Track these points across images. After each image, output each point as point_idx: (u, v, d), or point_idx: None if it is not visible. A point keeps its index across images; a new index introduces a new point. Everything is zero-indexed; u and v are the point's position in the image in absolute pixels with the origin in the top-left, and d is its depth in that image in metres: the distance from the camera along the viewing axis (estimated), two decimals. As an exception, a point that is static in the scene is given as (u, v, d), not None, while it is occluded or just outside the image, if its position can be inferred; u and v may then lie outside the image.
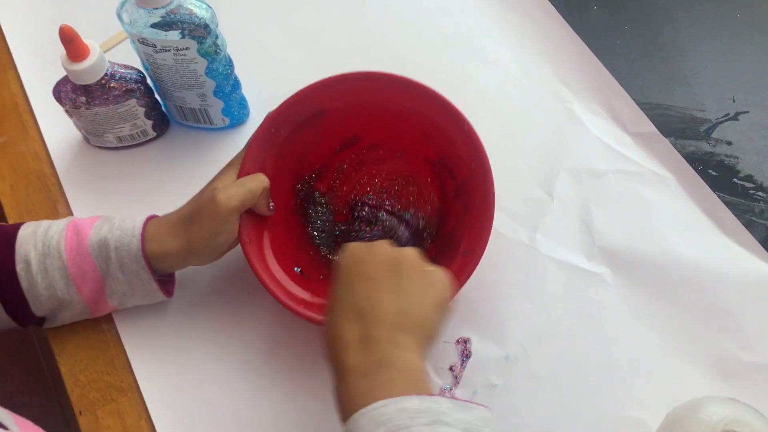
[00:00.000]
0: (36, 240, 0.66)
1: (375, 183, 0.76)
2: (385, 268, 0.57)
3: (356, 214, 0.75)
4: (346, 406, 0.52)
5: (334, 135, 0.73)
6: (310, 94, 0.69)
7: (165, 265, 0.68)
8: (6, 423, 0.53)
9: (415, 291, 0.56)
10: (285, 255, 0.70)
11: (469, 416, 0.49)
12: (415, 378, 0.52)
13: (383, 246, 0.59)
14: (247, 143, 0.70)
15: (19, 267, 0.65)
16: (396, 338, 0.53)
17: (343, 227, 0.75)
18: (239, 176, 0.67)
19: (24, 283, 0.65)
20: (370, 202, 0.75)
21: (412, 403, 0.49)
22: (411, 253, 0.58)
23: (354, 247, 0.59)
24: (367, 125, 0.73)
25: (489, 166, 0.66)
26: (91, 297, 0.67)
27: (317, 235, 0.75)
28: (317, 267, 0.72)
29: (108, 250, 0.66)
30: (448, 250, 0.68)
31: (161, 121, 0.81)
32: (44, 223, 0.68)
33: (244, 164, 0.68)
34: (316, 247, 0.74)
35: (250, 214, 0.67)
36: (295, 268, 0.70)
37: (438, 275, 0.58)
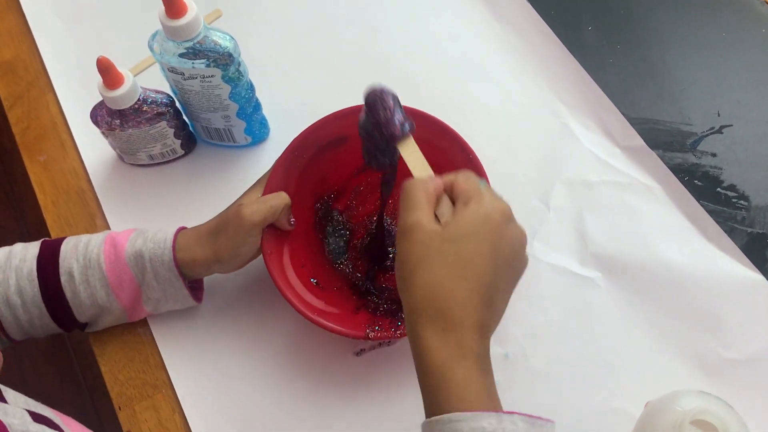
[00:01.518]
0: (77, 254, 0.72)
1: (388, 204, 0.80)
2: (514, 256, 0.55)
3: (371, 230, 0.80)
4: (429, 401, 0.52)
5: (353, 159, 0.78)
6: (332, 121, 0.75)
7: (193, 271, 0.73)
8: (57, 422, 0.60)
9: (511, 289, 0.56)
10: (303, 267, 0.75)
11: None
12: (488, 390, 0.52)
13: (514, 226, 0.55)
14: (274, 164, 0.76)
15: (64, 279, 0.72)
16: (485, 343, 0.53)
17: (357, 244, 0.80)
18: (264, 194, 0.73)
19: (68, 294, 0.72)
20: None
21: (488, 422, 0.49)
22: (521, 235, 0.56)
23: (504, 208, 0.55)
24: None
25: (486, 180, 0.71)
26: (128, 303, 0.74)
27: (333, 250, 0.80)
28: (332, 279, 0.77)
29: (143, 261, 0.72)
30: None
31: (189, 140, 0.87)
32: (83, 238, 0.74)
33: (269, 183, 0.74)
34: (332, 261, 0.79)
35: (272, 228, 0.73)
36: (312, 279, 0.75)
37: (525, 257, 0.57)
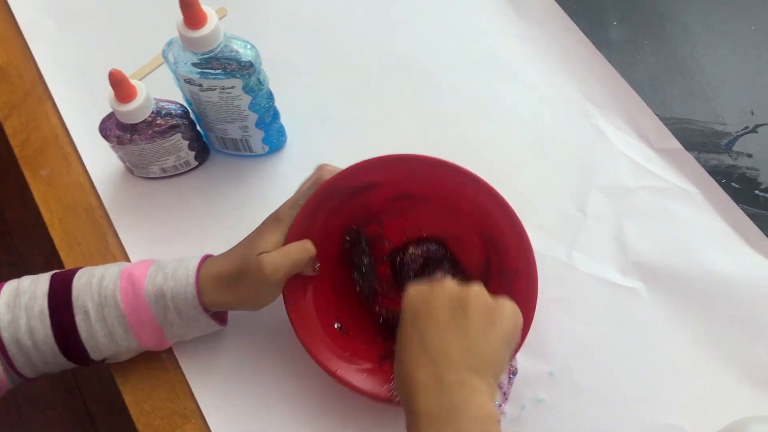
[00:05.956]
0: (92, 291, 0.67)
1: (421, 234, 0.75)
2: (451, 306, 0.57)
3: (400, 257, 0.76)
4: None
5: (385, 197, 0.73)
6: (362, 169, 0.70)
7: (217, 308, 0.70)
8: None
9: (481, 329, 0.56)
10: (326, 310, 0.71)
11: None
12: (486, 428, 0.52)
13: (447, 284, 0.59)
14: (296, 197, 0.71)
15: (78, 318, 0.67)
16: (467, 381, 0.54)
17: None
18: (287, 237, 0.68)
19: (83, 334, 0.67)
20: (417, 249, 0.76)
21: None
22: (476, 290, 0.58)
23: (417, 288, 0.60)
24: (419, 190, 0.73)
25: (535, 270, 0.68)
26: (149, 341, 0.70)
27: (360, 280, 0.75)
28: (356, 318, 0.73)
29: (165, 299, 0.67)
30: None
31: (203, 151, 0.82)
32: (97, 272, 0.69)
33: (293, 228, 0.69)
34: (357, 295, 0.75)
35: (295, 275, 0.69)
36: (336, 324, 0.71)
37: (505, 309, 0.58)
